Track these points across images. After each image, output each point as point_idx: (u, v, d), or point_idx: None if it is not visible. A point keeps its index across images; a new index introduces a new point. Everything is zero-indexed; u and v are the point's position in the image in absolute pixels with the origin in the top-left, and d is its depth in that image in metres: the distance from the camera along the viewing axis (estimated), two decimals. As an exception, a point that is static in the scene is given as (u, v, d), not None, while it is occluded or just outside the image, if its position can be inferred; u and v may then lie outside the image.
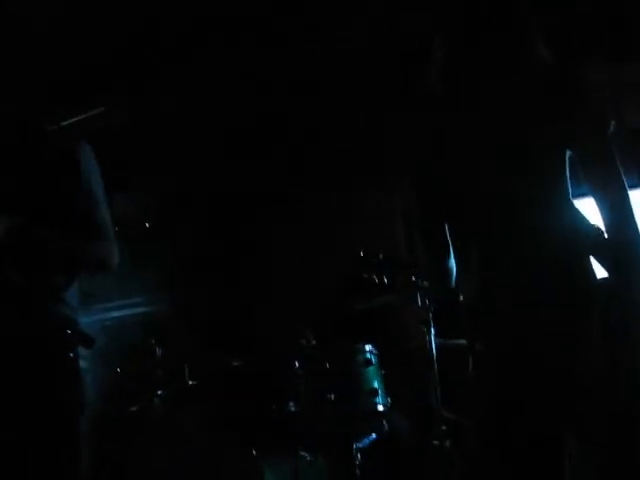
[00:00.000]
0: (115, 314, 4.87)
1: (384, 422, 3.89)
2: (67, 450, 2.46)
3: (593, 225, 2.06)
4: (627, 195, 2.00)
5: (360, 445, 3.85)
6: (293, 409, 3.84)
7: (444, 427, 3.79)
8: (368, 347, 3.87)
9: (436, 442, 3.81)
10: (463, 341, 3.89)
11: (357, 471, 3.78)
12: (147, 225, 4.62)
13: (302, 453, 3.83)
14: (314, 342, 3.88)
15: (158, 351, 4.10)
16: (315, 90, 4.73)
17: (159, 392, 4.01)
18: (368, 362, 3.81)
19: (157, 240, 4.79)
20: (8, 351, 2.41)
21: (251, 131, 4.91)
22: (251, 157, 4.93)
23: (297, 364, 3.82)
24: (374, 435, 3.90)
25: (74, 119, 4.69)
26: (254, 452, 3.72)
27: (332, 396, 3.73)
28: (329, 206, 4.88)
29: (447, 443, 3.76)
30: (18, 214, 2.39)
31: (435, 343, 3.76)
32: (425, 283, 3.73)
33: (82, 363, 2.55)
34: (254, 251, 5.04)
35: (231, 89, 4.82)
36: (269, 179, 4.89)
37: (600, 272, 2.07)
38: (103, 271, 2.60)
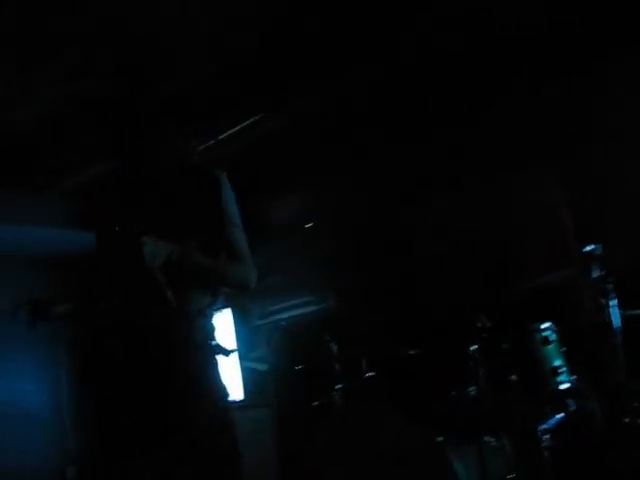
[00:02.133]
0: (288, 314, 5.01)
1: (570, 401, 3.77)
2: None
3: None
4: None
5: (546, 426, 3.74)
6: (474, 393, 3.79)
7: (636, 404, 3.61)
8: (546, 325, 3.76)
9: (627, 419, 3.64)
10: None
11: (545, 453, 3.67)
12: (307, 226, 4.72)
13: (486, 438, 3.77)
14: (489, 325, 3.81)
15: (333, 346, 4.17)
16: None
17: (338, 386, 4.08)
18: (547, 340, 3.71)
19: (319, 239, 4.88)
20: (160, 357, 2.67)
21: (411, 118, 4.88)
22: (410, 142, 4.89)
23: (474, 348, 3.77)
24: (560, 415, 3.78)
25: (232, 130, 4.88)
26: (439, 439, 3.69)
27: (513, 378, 3.66)
28: (491, 192, 4.77)
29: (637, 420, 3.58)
30: (176, 240, 2.64)
31: (618, 315, 3.59)
32: (599, 252, 3.58)
33: (261, 366, 2.75)
34: (415, 237, 5.01)
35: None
36: (429, 163, 4.84)
37: None
38: (242, 291, 2.89)
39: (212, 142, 4.96)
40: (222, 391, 2.74)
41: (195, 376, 2.67)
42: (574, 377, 3.75)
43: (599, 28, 4.23)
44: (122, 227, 2.68)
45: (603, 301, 3.51)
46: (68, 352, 6.24)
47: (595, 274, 3.52)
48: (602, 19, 4.20)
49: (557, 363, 3.69)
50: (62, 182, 5.88)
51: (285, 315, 4.95)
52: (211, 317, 2.82)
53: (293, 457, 4.36)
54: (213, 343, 2.75)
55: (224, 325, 5.18)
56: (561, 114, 4.48)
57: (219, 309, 3.06)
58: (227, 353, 2.80)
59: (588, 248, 3.53)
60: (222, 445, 2.62)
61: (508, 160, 4.60)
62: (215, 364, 2.74)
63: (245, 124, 4.92)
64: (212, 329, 2.79)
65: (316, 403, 4.12)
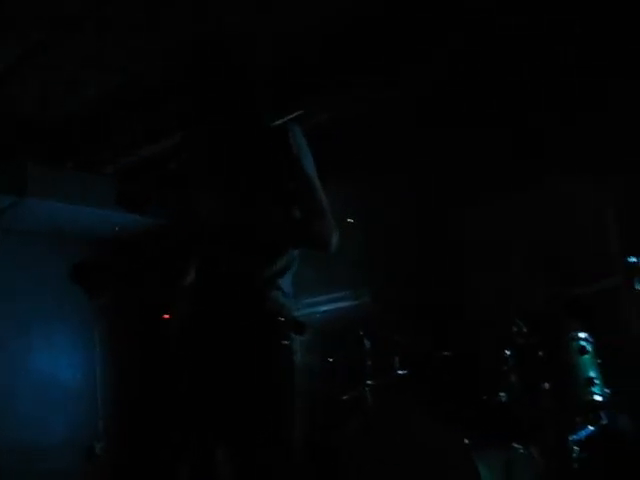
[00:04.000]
0: (323, 308, 5.01)
1: (602, 414, 3.72)
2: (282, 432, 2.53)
3: None
4: None
5: (576, 437, 3.69)
6: (505, 399, 3.76)
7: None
8: (583, 335, 3.71)
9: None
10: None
11: (574, 465, 3.63)
12: (349, 221, 4.71)
13: (515, 445, 3.73)
14: (526, 330, 3.77)
15: (366, 342, 4.16)
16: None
17: (369, 382, 4.07)
18: (583, 350, 3.66)
19: (356, 235, 4.87)
20: (227, 335, 2.51)
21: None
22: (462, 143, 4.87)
23: (509, 353, 3.74)
24: (592, 427, 3.73)
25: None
26: (466, 442, 3.66)
27: (546, 386, 3.62)
28: (540, 195, 4.73)
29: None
30: (245, 198, 2.48)
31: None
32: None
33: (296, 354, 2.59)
34: (464, 237, 4.99)
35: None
36: (481, 165, 4.82)
37: None
38: (324, 250, 2.58)
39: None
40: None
41: (257, 358, 2.48)
42: (608, 390, 3.69)
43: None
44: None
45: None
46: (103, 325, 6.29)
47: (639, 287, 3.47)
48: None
49: (592, 374, 3.65)
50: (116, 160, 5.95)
51: (320, 309, 4.95)
52: (283, 287, 2.57)
53: (319, 450, 4.36)
54: (283, 320, 2.51)
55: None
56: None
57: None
58: (301, 331, 2.55)
59: (633, 259, 3.47)
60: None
61: (560, 164, 4.57)
62: (283, 346, 2.51)
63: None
64: (284, 303, 2.56)
65: (345, 397, 4.12)
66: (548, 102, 4.56)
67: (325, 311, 4.93)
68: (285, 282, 2.61)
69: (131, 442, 6.28)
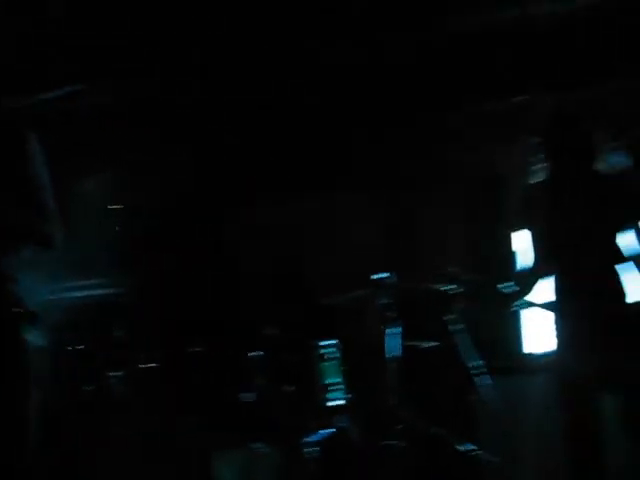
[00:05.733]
0: (81, 294, 4.84)
1: (341, 417, 3.88)
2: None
3: None
4: None
5: (315, 439, 3.83)
6: (250, 399, 3.83)
7: (399, 427, 3.77)
8: (328, 342, 3.86)
9: (390, 441, 3.80)
10: (431, 343, 3.94)
11: (311, 465, 3.76)
12: (111, 207, 4.60)
13: (255, 444, 3.81)
14: (274, 334, 3.86)
15: (118, 333, 4.08)
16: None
17: (116, 373, 3.99)
18: (327, 357, 3.81)
19: (116, 223, 4.77)
20: None
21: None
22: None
23: (258, 354, 3.80)
24: (330, 430, 3.89)
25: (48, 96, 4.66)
26: (206, 439, 3.69)
27: (290, 388, 3.73)
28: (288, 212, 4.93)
29: (400, 443, 3.74)
30: None
31: (400, 343, 3.74)
32: (393, 281, 3.70)
33: (38, 340, 2.57)
34: (215, 236, 5.04)
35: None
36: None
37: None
38: (47, 248, 2.63)
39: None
40: None
41: None
42: (348, 396, 3.86)
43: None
44: None
45: (383, 328, 3.64)
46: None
47: (381, 301, 3.64)
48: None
49: (333, 380, 3.80)
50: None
51: (77, 294, 4.77)
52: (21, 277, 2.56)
53: (60, 438, 4.21)
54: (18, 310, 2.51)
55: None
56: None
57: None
58: (34, 321, 2.52)
59: (379, 275, 3.65)
60: None
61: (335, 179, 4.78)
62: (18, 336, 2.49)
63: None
64: (19, 293, 2.53)
65: (89, 388, 4.01)
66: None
67: (81, 297, 4.77)
68: (25, 272, 2.57)
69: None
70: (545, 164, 3.35)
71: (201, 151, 5.06)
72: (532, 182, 3.42)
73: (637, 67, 4.38)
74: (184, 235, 4.95)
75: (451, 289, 3.64)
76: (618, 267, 3.22)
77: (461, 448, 3.65)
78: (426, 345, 3.96)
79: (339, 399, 3.83)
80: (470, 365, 3.63)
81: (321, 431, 3.83)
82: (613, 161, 4.30)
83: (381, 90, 4.71)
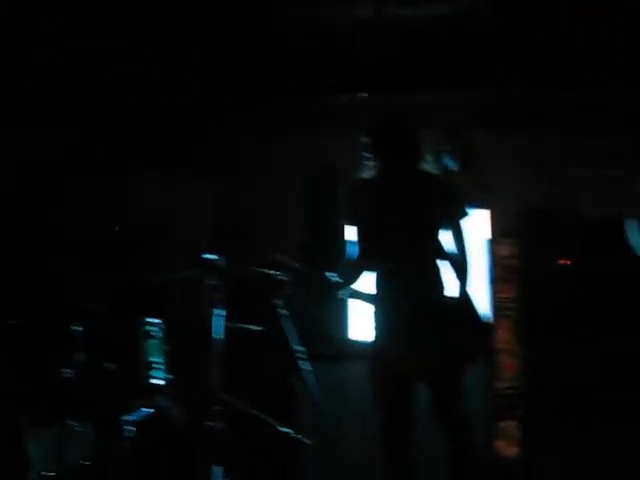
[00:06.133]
0: None
1: (161, 397, 3.86)
2: None
3: None
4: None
5: (132, 418, 3.78)
6: (68, 375, 3.72)
7: (219, 408, 3.79)
8: (153, 320, 3.82)
9: (210, 423, 3.81)
10: (254, 327, 3.98)
11: (126, 443, 3.71)
12: None
13: (69, 421, 3.71)
14: (100, 308, 3.78)
15: None
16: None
17: None
18: (150, 335, 3.77)
19: None
20: None
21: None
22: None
23: (76, 329, 3.70)
24: (149, 409, 3.85)
25: None
26: (20, 415, 3.56)
27: (110, 365, 3.66)
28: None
29: (220, 425, 3.77)
30: None
31: (223, 325, 3.75)
32: (222, 263, 3.71)
33: None
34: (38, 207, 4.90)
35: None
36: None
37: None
38: None
39: None
40: None
41: None
42: (169, 376, 3.84)
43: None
44: None
45: (208, 309, 3.64)
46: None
47: (210, 282, 3.63)
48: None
49: (155, 359, 3.77)
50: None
51: None
52: None
53: None
54: None
55: None
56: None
57: None
58: None
59: (209, 256, 3.64)
60: None
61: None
62: None
63: None
64: None
65: None
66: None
67: None
68: None
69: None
70: (373, 161, 3.48)
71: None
72: (361, 177, 3.55)
73: (471, 76, 4.63)
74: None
75: (280, 275, 3.70)
76: (435, 264, 3.41)
77: (280, 431, 3.73)
78: (251, 328, 3.99)
79: (160, 378, 3.80)
80: (293, 350, 3.71)
81: (140, 410, 3.80)
82: (440, 163, 4.54)
83: (223, 74, 4.72)
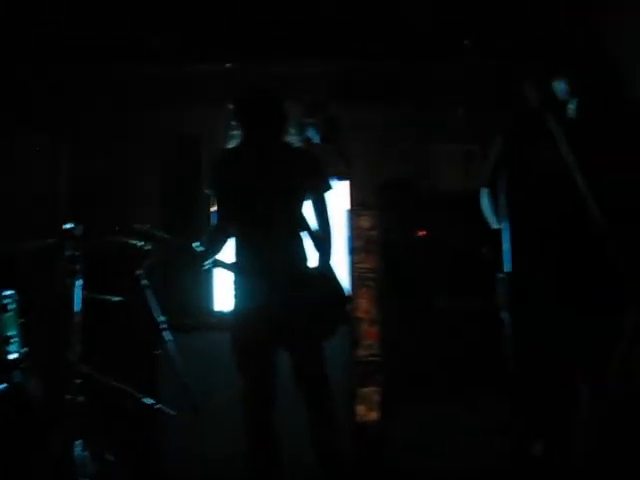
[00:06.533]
0: None
1: (16, 373, 3.72)
2: None
3: None
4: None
5: (-13, 394, 3.63)
6: None
7: (79, 381, 3.70)
8: (8, 292, 3.66)
9: (69, 396, 3.72)
10: (113, 297, 3.90)
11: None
12: None
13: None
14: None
15: None
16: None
17: None
18: (5, 308, 3.61)
19: None
20: None
21: None
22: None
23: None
24: (3, 385, 3.70)
25: None
26: None
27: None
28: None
29: (80, 398, 3.68)
30: None
31: (81, 296, 3.65)
32: (78, 232, 3.60)
33: None
34: None
35: None
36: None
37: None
38: None
39: None
40: None
41: None
42: (25, 350, 3.70)
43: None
44: None
45: (70, 281, 3.54)
46: None
47: (67, 252, 3.53)
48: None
49: (10, 333, 3.62)
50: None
51: None
52: None
53: None
54: None
55: None
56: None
57: None
58: None
59: (68, 225, 3.53)
60: None
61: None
62: None
63: None
64: None
65: None
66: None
67: None
68: None
69: None
70: (238, 130, 3.48)
71: None
72: (226, 147, 3.54)
73: (333, 48, 4.69)
74: None
75: (142, 245, 3.64)
76: (297, 234, 3.46)
77: (143, 402, 3.70)
78: (110, 299, 3.92)
79: (14, 353, 3.65)
80: (155, 321, 3.67)
81: (-4, 386, 3.64)
82: (304, 135, 4.58)
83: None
